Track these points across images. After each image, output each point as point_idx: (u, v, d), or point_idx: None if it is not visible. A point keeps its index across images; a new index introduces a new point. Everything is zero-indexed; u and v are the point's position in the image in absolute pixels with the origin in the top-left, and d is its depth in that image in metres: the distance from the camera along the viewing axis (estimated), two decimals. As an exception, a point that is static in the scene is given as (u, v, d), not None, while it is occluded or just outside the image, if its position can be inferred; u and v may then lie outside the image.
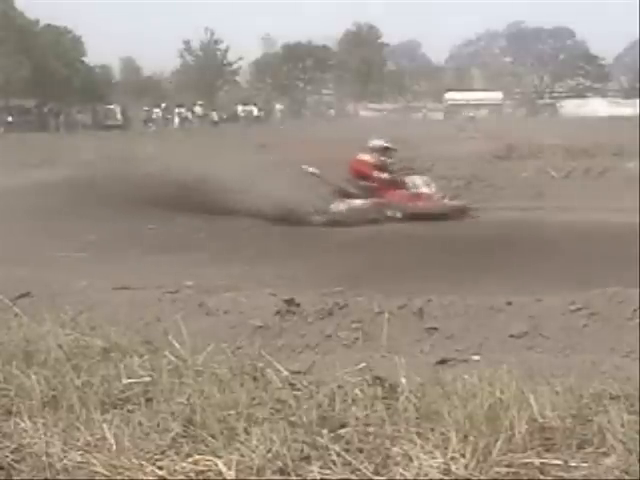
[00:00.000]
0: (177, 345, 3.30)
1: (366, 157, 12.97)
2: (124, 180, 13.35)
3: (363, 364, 3.18)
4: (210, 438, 2.46)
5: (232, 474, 2.27)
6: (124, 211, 11.75)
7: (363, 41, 70.99)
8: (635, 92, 62.14)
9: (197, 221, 11.28)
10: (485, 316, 4.64)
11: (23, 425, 2.63)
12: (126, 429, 2.54)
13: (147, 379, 3.00)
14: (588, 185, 13.61)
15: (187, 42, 68.11)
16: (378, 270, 7.83)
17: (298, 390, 2.88)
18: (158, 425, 2.60)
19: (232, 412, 2.61)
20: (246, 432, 2.46)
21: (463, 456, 2.28)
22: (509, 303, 4.76)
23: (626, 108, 56.16)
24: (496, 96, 66.85)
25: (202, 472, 2.31)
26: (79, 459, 2.40)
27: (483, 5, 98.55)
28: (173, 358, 3.20)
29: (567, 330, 4.41)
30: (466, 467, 2.24)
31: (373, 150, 13.09)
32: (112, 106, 54.71)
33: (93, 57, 57.80)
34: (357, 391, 2.78)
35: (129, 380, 2.98)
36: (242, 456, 2.33)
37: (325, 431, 2.45)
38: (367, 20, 72.36)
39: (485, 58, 76.52)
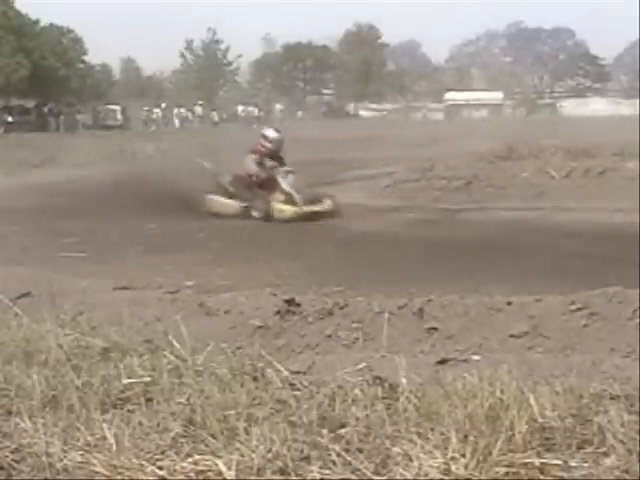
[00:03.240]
0: (177, 345, 3.30)
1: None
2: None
3: (363, 364, 3.19)
4: (210, 438, 2.46)
5: (232, 474, 2.27)
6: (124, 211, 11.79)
7: (363, 41, 71.03)
8: (635, 92, 62.20)
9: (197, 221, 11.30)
10: (485, 316, 4.63)
11: (23, 425, 2.63)
12: (126, 429, 2.54)
13: (147, 379, 3.00)
14: (588, 185, 13.59)
15: (189, 41, 68.21)
16: (378, 270, 7.82)
17: (298, 390, 2.88)
18: (158, 425, 2.60)
19: (232, 412, 2.61)
20: (246, 432, 2.46)
21: (463, 456, 2.28)
22: (509, 303, 4.75)
23: (626, 108, 56.22)
24: (496, 96, 66.90)
25: (202, 472, 2.31)
26: (79, 459, 2.40)
27: (483, 5, 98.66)
28: (173, 358, 3.20)
29: (567, 330, 4.41)
30: (466, 467, 2.24)
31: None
32: (112, 106, 54.70)
33: (93, 57, 57.84)
34: (357, 391, 2.78)
35: (129, 380, 2.99)
36: (242, 456, 2.33)
37: (325, 431, 2.45)
38: (367, 20, 72.48)
39: (485, 58, 76.62)
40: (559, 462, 2.29)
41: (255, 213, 11.81)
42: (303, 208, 11.65)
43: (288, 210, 11.67)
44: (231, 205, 12.15)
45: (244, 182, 12.28)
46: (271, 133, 12.90)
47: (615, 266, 7.08)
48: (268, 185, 12.08)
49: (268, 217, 11.63)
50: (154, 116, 54.36)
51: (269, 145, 12.61)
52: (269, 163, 12.46)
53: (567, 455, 2.33)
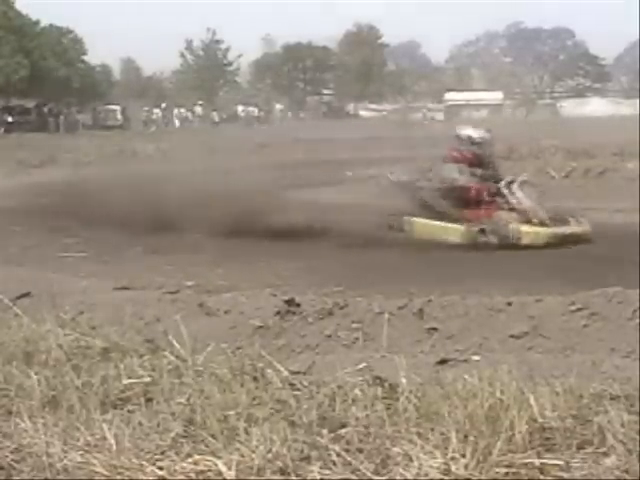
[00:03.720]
0: (177, 345, 3.31)
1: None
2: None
3: (363, 364, 3.19)
4: (210, 438, 2.46)
5: (232, 474, 2.27)
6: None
7: (363, 42, 70.99)
8: (635, 92, 62.21)
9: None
10: (485, 316, 4.64)
11: (23, 425, 2.63)
12: (126, 429, 2.54)
13: (147, 379, 3.00)
14: (588, 185, 13.61)
15: (189, 41, 68.26)
16: (378, 270, 7.82)
17: (298, 390, 2.88)
18: (158, 425, 2.60)
19: (232, 412, 2.61)
20: (246, 432, 2.46)
21: (463, 456, 2.28)
22: (509, 303, 4.76)
23: (626, 108, 56.27)
24: (496, 96, 66.90)
25: (202, 472, 2.31)
26: (79, 459, 2.40)
27: (483, 5, 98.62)
28: (173, 358, 3.20)
29: (567, 330, 4.41)
30: (466, 467, 2.24)
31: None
32: (112, 106, 54.74)
33: (93, 57, 57.85)
34: (357, 391, 2.78)
35: (129, 380, 2.99)
36: (242, 456, 2.33)
37: (325, 431, 2.45)
38: (367, 21, 72.45)
39: (485, 58, 76.62)
40: (559, 462, 2.29)
41: (490, 238, 8.98)
42: (556, 230, 9.03)
43: (541, 233, 8.99)
44: (453, 230, 9.26)
45: (455, 197, 9.45)
46: (475, 133, 9.85)
47: (615, 266, 7.09)
48: (487, 200, 9.37)
49: (507, 241, 8.88)
50: (154, 116, 54.41)
51: (475, 149, 9.65)
52: (480, 172, 9.55)
53: (567, 455, 2.33)
